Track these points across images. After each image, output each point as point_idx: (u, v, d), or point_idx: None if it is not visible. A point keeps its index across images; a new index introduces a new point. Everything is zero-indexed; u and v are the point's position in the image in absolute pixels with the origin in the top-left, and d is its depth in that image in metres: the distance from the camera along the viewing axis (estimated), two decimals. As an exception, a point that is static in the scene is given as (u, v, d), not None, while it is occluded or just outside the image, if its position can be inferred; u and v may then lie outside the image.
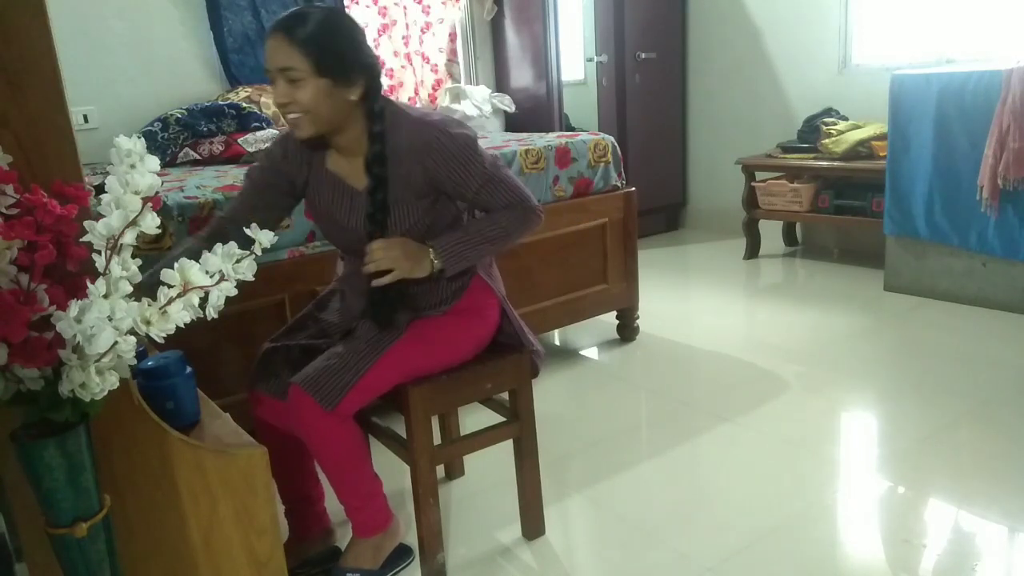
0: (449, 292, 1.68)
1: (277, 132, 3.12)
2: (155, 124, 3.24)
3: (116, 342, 0.88)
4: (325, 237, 1.87)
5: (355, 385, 1.55)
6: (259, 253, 1.02)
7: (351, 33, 1.52)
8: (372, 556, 1.71)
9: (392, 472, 1.88)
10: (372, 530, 1.69)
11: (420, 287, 1.65)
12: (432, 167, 1.56)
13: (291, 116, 1.50)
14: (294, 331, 1.76)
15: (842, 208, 3.90)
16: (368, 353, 1.58)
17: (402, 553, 1.77)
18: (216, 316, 0.98)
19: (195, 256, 0.98)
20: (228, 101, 3.42)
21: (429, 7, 4.49)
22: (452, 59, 4.65)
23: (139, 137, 0.96)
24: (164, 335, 0.93)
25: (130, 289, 0.92)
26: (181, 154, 3.17)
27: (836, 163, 3.80)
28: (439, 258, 1.57)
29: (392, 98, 1.63)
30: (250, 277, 1.01)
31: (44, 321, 0.88)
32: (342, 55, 1.48)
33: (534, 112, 4.62)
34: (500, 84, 4.84)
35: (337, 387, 1.53)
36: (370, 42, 4.54)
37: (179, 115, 3.26)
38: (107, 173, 0.94)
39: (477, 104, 4.43)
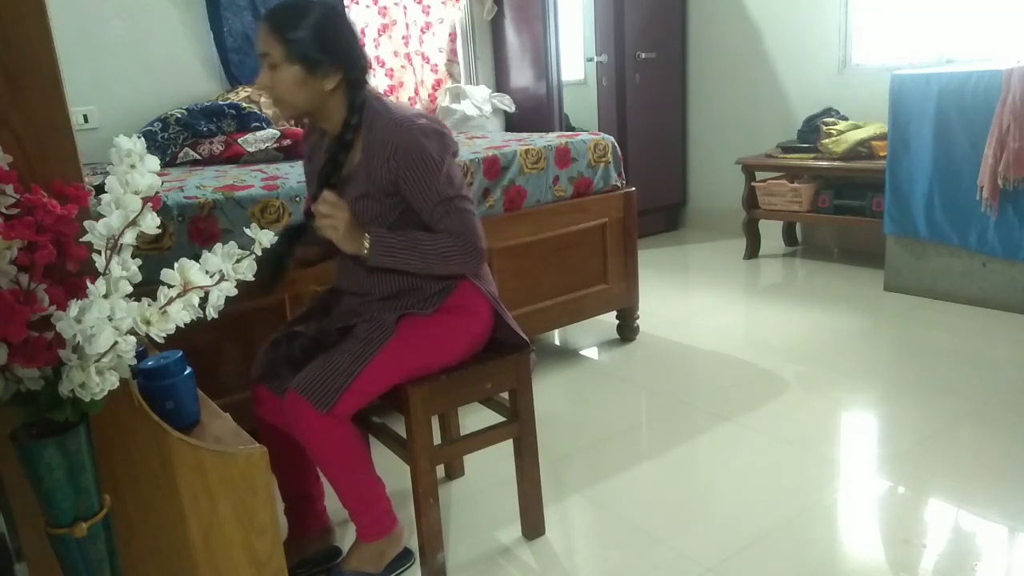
0: (434, 291, 1.67)
1: (277, 132, 3.12)
2: (155, 124, 3.24)
3: (116, 342, 0.88)
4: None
5: (349, 387, 1.55)
6: (259, 253, 1.02)
7: (330, 24, 1.56)
8: (375, 560, 1.70)
9: (392, 472, 1.88)
10: (376, 535, 1.69)
11: (406, 285, 1.65)
12: (395, 168, 1.56)
13: (271, 100, 1.59)
14: (298, 324, 1.76)
15: (842, 208, 3.90)
16: (361, 354, 1.58)
17: (403, 555, 1.77)
18: (216, 316, 0.98)
19: None
20: (228, 101, 3.41)
21: (429, 7, 4.50)
22: (452, 59, 4.65)
23: (139, 137, 0.96)
24: (164, 335, 0.93)
25: (130, 289, 0.92)
26: (181, 154, 3.17)
27: (836, 163, 3.80)
28: (369, 244, 1.54)
29: (382, 95, 1.66)
30: (250, 277, 1.01)
31: (44, 321, 0.89)
32: (315, 44, 1.53)
33: (534, 112, 4.62)
34: (500, 84, 4.83)
35: (331, 389, 1.54)
36: (369, 41, 4.38)
37: (179, 115, 3.26)
38: (107, 173, 0.94)
39: (477, 104, 4.43)
